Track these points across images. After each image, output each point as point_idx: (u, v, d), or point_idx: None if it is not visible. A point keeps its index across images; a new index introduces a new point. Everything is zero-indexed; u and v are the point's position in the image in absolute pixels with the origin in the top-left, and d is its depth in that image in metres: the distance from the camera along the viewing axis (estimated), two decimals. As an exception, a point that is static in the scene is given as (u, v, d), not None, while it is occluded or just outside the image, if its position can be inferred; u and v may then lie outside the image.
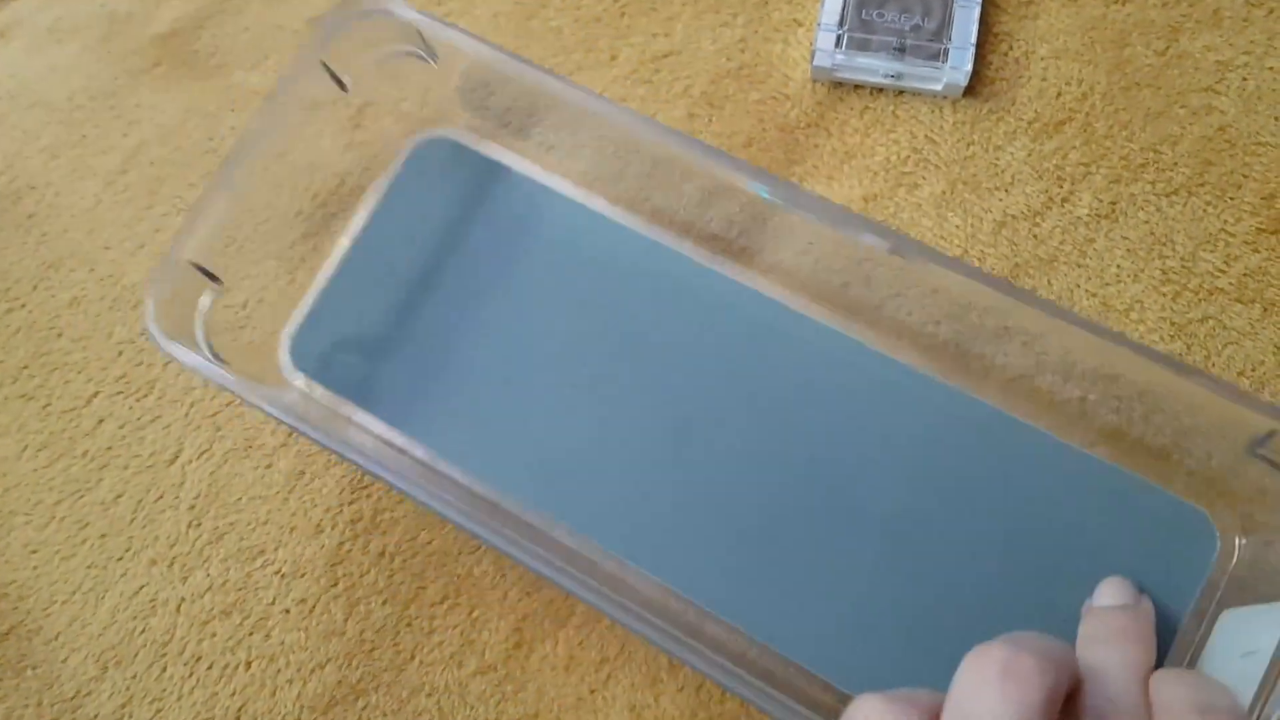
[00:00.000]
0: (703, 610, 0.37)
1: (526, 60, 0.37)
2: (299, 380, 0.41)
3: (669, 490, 0.37)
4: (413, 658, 0.40)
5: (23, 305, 0.46)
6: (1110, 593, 0.34)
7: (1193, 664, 0.33)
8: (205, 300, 0.38)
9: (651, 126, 0.36)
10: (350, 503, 0.42)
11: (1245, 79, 0.44)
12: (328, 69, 0.39)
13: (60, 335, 0.45)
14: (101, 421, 0.44)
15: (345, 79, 0.39)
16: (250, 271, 0.42)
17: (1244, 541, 0.35)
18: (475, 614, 0.40)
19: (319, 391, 0.40)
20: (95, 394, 0.44)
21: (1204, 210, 0.43)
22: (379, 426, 0.40)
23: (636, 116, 0.36)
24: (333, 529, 0.41)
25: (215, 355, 0.37)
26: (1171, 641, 0.34)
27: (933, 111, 0.45)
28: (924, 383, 0.38)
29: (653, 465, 0.38)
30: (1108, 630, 0.31)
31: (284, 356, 0.41)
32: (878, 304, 0.39)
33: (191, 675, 0.40)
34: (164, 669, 0.40)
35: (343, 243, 0.42)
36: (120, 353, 0.45)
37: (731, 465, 0.38)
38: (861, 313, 0.40)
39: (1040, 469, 0.36)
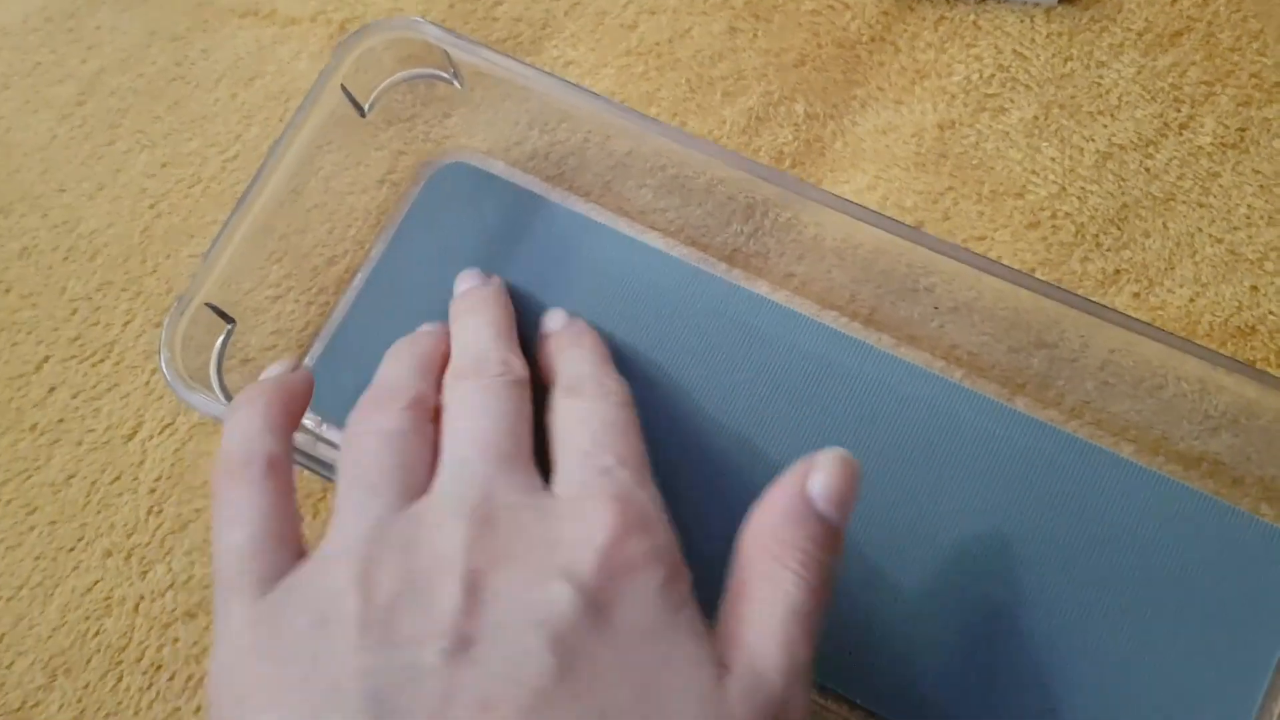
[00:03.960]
0: None
1: (555, 76, 0.35)
2: (309, 421, 0.36)
3: (722, 545, 0.29)
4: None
5: (-35, 257, 0.40)
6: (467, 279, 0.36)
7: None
8: (220, 342, 0.36)
9: (697, 144, 0.34)
10: (334, 486, 0.36)
11: (1406, -23, 0.37)
12: (346, 92, 0.36)
13: (8, 291, 0.39)
14: (52, 390, 0.38)
15: (364, 103, 0.37)
16: (264, 308, 0.38)
17: None
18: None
19: (332, 433, 0.36)
20: (46, 358, 0.38)
21: (1356, 137, 0.36)
22: None
23: (680, 134, 0.34)
24: (314, 518, 0.36)
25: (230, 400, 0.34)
26: (1266, 675, 0.31)
27: (1022, 21, 0.38)
28: (985, 405, 0.34)
29: (701, 519, 0.31)
30: (469, 304, 0.34)
31: None
32: (936, 321, 0.35)
33: (150, 687, 0.35)
34: (119, 678, 0.35)
35: (360, 278, 0.38)
36: (74, 310, 0.39)
37: None
38: (913, 330, 0.35)
39: (1114, 493, 0.33)
